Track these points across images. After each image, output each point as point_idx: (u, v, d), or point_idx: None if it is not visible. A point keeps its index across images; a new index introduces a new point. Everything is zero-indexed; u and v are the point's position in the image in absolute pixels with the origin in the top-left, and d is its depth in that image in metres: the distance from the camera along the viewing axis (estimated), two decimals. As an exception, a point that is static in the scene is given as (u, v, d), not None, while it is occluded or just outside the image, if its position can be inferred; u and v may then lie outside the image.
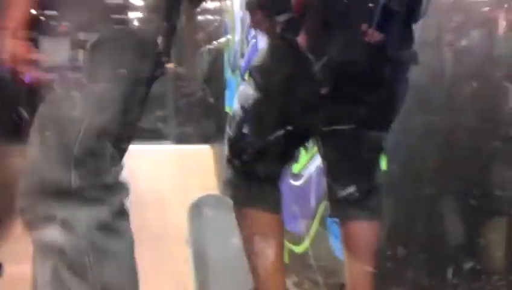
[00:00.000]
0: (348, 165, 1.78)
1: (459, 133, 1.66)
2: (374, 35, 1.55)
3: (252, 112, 1.70)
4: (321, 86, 1.58)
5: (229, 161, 1.79)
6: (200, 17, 5.19)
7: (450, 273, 1.66)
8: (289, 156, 1.89)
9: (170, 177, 1.71)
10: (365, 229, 1.82)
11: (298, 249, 2.84)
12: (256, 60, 1.76)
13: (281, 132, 1.64)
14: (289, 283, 2.86)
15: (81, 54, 1.33)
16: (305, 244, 2.65)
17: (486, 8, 1.55)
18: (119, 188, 1.40)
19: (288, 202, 2.27)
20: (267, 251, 1.74)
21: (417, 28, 1.64)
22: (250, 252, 1.78)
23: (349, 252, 1.84)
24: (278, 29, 1.65)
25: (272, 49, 1.69)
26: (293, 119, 1.65)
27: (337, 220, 1.92)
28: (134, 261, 1.39)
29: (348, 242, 1.85)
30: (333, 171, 1.84)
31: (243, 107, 1.73)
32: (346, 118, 1.66)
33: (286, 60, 1.63)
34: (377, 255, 1.82)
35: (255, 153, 1.70)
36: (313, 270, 2.57)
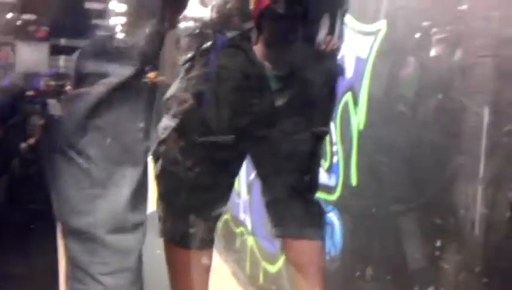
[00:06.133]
0: (286, 180, 1.72)
1: (423, 149, 1.59)
2: (334, 44, 1.51)
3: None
4: (276, 97, 1.52)
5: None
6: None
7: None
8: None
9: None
10: (309, 248, 1.75)
11: (273, 268, 2.77)
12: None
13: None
14: (263, 303, 2.80)
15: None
16: (280, 263, 2.58)
17: (452, 18, 1.49)
18: None
19: (263, 221, 2.20)
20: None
21: (380, 39, 1.60)
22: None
23: (297, 272, 1.79)
24: None
25: (227, 56, 1.62)
26: (241, 130, 1.57)
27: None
28: None
29: (294, 262, 1.79)
30: (272, 187, 1.78)
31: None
32: (292, 126, 1.60)
33: (241, 68, 1.57)
34: (324, 275, 1.75)
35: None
36: (286, 290, 2.50)
